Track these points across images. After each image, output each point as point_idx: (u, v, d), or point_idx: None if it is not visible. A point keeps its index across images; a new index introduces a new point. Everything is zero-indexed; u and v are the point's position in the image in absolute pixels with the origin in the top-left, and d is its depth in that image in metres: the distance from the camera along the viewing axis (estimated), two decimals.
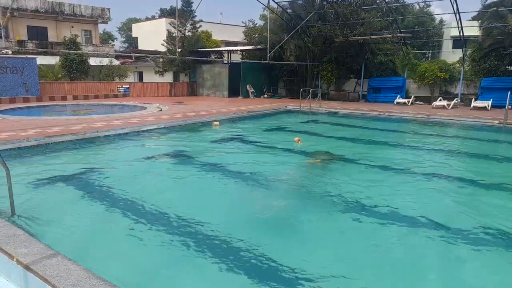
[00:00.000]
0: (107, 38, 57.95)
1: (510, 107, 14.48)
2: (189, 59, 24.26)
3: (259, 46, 24.84)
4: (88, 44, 33.72)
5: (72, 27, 32.95)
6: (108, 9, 35.27)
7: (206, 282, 3.62)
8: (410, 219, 4.96)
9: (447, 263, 3.99)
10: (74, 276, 3.02)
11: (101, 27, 52.01)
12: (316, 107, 17.86)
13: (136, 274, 3.71)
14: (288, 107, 18.84)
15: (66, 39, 24.86)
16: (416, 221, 4.89)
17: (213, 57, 28.29)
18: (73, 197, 5.65)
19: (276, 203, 5.76)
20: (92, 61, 27.66)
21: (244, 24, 31.00)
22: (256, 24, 29.85)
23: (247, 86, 25.06)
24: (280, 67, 25.41)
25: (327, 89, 24.82)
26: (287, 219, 5.13)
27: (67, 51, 23.31)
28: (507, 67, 19.24)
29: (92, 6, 34.14)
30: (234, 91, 25.07)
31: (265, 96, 25.65)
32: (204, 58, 25.76)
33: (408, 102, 20.21)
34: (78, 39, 26.13)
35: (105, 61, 28.57)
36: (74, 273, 3.06)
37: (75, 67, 24.09)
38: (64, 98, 20.85)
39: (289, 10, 23.97)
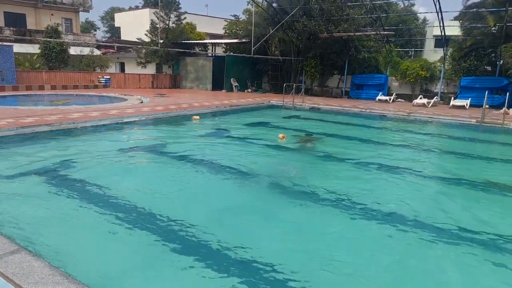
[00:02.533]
0: (88, 27, 56.55)
1: (487, 106, 14.82)
2: (173, 51, 23.90)
3: (243, 40, 24.64)
4: (69, 33, 32.78)
5: (52, 14, 31.96)
6: None
7: (179, 277, 3.57)
8: (378, 212, 5.03)
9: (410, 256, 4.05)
10: (37, 274, 2.92)
11: (83, 16, 50.84)
12: (299, 102, 17.87)
13: (108, 270, 3.62)
14: (271, 102, 18.80)
15: (48, 27, 24.11)
16: (384, 215, 4.95)
17: (197, 49, 27.94)
18: (44, 190, 5.48)
19: (252, 195, 5.73)
20: (73, 51, 26.89)
21: (231, 19, 30.58)
22: (240, 18, 29.55)
23: (231, 79, 24.89)
24: (265, 62, 25.31)
25: (311, 84, 24.88)
26: (263, 212, 5.10)
27: (47, 39, 22.60)
28: (486, 67, 19.65)
29: None
30: (217, 85, 24.87)
31: (249, 90, 25.53)
32: (188, 50, 25.43)
33: (390, 99, 20.45)
34: (59, 28, 25.35)
35: (86, 51, 27.84)
36: (37, 270, 2.96)
37: (55, 56, 23.40)
38: (41, 87, 20.25)
39: (274, 4, 23.84)
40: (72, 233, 4.32)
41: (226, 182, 6.43)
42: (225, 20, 31.59)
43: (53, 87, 20.71)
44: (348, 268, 3.79)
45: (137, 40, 28.63)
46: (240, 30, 26.87)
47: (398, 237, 4.51)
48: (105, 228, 4.41)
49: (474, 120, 13.71)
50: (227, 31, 29.46)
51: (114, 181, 6.09)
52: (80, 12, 35.04)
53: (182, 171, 6.93)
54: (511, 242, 4.40)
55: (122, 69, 33.11)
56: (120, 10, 50.69)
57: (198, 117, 12.61)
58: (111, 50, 33.56)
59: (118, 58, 33.25)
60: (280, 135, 10.02)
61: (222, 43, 28.00)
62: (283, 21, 21.96)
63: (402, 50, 27.10)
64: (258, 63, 25.72)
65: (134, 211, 4.85)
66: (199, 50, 28.04)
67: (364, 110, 16.42)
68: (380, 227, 4.72)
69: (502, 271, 3.84)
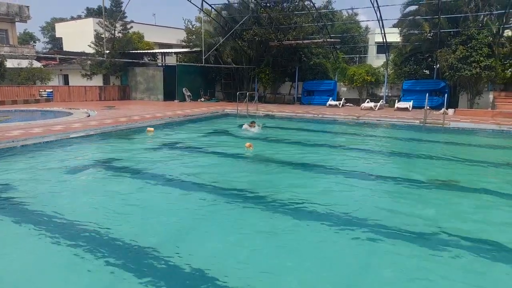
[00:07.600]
0: (28, 38, 53.18)
1: (428, 107, 15.82)
2: (120, 61, 23.11)
3: (195, 49, 24.42)
4: (4, 45, 30.60)
5: None
6: (27, 6, 32.33)
7: None
8: (323, 214, 5.14)
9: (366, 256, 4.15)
10: None
11: (20, 27, 47.66)
12: (253, 110, 17.97)
13: None
14: (225, 110, 18.73)
15: None
16: (329, 215, 5.06)
17: (146, 59, 27.27)
18: None
19: (210, 209, 5.60)
20: (10, 63, 25.16)
21: (184, 25, 30.13)
22: (194, 25, 29.32)
23: (183, 89, 24.53)
24: (217, 70, 25.23)
25: (264, 92, 25.19)
26: (220, 225, 5.01)
27: None
28: (424, 71, 21.06)
29: (7, 3, 31.05)
30: (169, 95, 24.39)
31: (202, 99, 25.30)
32: (136, 61, 24.72)
33: (339, 104, 21.21)
34: None
35: (25, 63, 26.14)
36: None
37: None
38: None
39: (224, 12, 23.94)
40: (15, 261, 3.95)
41: (187, 197, 6.24)
42: (183, 19, 30.94)
43: None
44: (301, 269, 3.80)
45: (81, 51, 27.39)
46: (194, 38, 26.57)
47: (341, 234, 4.63)
48: (52, 254, 4.08)
49: (417, 121, 14.55)
50: (186, 37, 28.96)
51: (60, 203, 5.68)
52: (16, 23, 32.89)
53: (138, 187, 6.62)
54: (450, 236, 4.66)
55: (66, 81, 31.42)
56: (62, 20, 48.30)
57: (152, 129, 12.20)
58: (53, 62, 31.82)
59: (61, 70, 31.56)
60: (247, 144, 9.87)
61: (172, 52, 27.53)
62: (233, 30, 22.08)
63: (348, 57, 28.29)
64: (210, 72, 25.59)
65: (84, 234, 4.54)
66: (149, 60, 27.39)
67: (317, 115, 16.86)
68: (329, 227, 4.81)
69: (440, 265, 4.04)
